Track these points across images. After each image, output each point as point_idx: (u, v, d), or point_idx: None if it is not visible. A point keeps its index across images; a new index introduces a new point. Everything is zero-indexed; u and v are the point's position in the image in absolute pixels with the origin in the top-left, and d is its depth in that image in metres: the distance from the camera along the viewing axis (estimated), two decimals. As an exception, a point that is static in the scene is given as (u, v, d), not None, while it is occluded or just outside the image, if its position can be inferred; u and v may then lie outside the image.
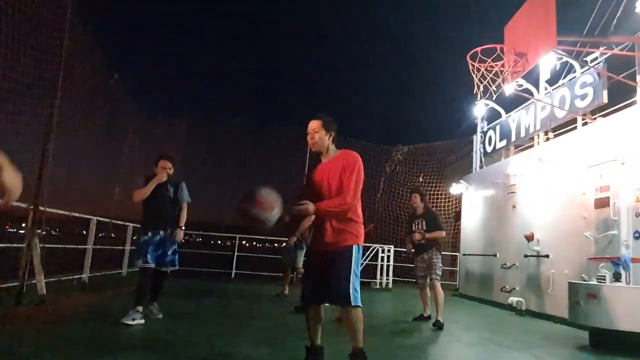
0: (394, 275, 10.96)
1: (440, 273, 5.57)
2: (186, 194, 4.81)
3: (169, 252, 4.64)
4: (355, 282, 2.77)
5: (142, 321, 4.24)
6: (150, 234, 4.52)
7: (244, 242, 14.53)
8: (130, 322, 4.11)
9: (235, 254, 10.79)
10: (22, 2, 5.10)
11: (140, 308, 4.29)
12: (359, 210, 2.98)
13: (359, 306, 2.77)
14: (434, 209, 5.54)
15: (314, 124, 3.05)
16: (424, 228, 5.61)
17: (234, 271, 10.86)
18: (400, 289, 10.63)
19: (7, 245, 5.42)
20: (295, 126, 12.07)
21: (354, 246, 2.86)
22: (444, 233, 5.72)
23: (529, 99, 8.43)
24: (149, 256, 4.43)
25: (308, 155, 10.90)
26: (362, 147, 12.77)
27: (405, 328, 5.28)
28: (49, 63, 5.59)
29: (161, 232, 4.57)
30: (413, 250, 5.78)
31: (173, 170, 4.77)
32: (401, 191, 12.65)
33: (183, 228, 4.79)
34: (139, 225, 5.03)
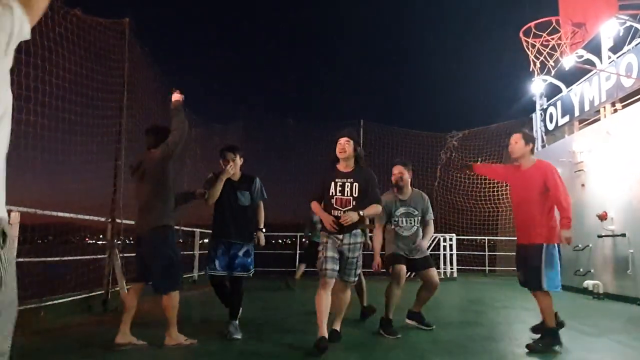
0: (457, 265, 10.74)
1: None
2: (261, 191, 4.34)
3: (240, 254, 4.08)
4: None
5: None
6: (223, 246, 4.09)
7: (304, 240, 14.75)
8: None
9: (298, 251, 10.99)
10: (85, 31, 5.49)
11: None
12: None
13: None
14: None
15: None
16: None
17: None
18: (465, 278, 10.40)
19: (92, 257, 5.87)
20: (346, 120, 12.12)
21: None
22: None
23: (591, 70, 7.95)
24: (217, 262, 4.06)
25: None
26: (415, 136, 12.59)
27: (473, 319, 5.18)
28: (114, 85, 5.98)
29: (232, 241, 4.09)
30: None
31: (242, 161, 4.29)
32: (459, 178, 12.35)
33: (263, 230, 4.33)
34: (206, 231, 5.21)
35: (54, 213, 4.94)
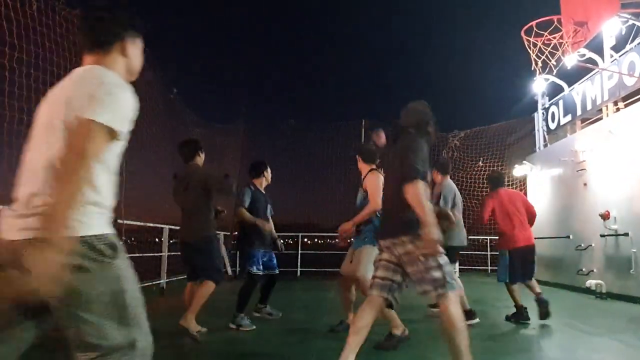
0: (460, 264, 10.72)
1: None
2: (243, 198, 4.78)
3: (274, 257, 4.89)
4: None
5: (254, 327, 4.40)
6: (262, 250, 4.68)
7: (305, 240, 14.77)
8: (243, 327, 4.34)
9: (299, 252, 11.01)
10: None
11: (243, 314, 4.44)
12: None
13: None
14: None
15: None
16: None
17: (299, 269, 11.09)
18: (467, 277, 10.38)
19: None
20: (348, 121, 12.11)
21: None
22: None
23: (593, 69, 7.92)
24: (261, 264, 4.64)
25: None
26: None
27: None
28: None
29: (267, 248, 4.76)
30: None
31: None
32: (461, 177, 12.32)
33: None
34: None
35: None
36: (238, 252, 5.23)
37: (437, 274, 2.48)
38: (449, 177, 5.39)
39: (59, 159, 1.26)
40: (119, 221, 5.70)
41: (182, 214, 4.19)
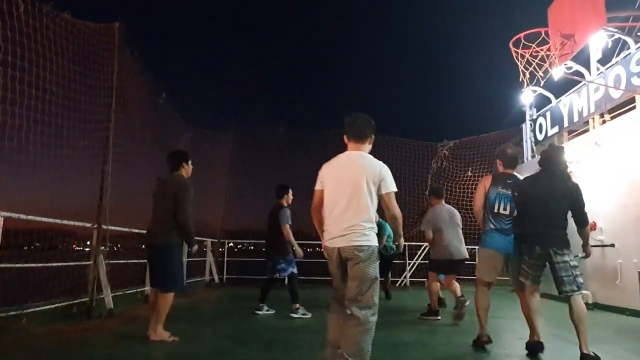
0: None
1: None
2: (285, 217, 5.94)
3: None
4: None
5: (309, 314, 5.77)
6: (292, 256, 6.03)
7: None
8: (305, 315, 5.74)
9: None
10: (73, 33, 5.43)
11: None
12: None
13: None
14: None
15: None
16: None
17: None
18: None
19: (77, 263, 5.76)
20: (334, 129, 12.10)
21: None
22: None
23: (580, 82, 8.03)
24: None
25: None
26: (407, 144, 12.60)
27: (463, 328, 5.14)
28: (102, 89, 5.92)
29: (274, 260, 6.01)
30: None
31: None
32: (449, 187, 12.37)
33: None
34: (195, 238, 5.22)
35: (38, 218, 4.84)
36: (272, 257, 6.05)
37: None
38: (442, 201, 6.19)
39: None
40: (103, 227, 5.60)
41: (152, 218, 4.36)
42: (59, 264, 5.36)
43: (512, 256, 4.07)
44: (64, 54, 5.31)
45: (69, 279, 5.59)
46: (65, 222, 5.27)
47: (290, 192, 6.26)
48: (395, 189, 2.94)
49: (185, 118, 9.41)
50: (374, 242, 2.83)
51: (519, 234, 3.98)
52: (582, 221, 3.86)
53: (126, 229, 6.65)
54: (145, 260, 7.22)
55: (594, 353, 3.54)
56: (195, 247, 4.65)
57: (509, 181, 4.20)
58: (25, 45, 4.80)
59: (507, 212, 4.12)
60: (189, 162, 4.58)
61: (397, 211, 2.93)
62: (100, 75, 5.93)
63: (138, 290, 7.05)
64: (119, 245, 9.60)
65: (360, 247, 2.75)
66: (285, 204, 6.10)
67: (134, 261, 7.19)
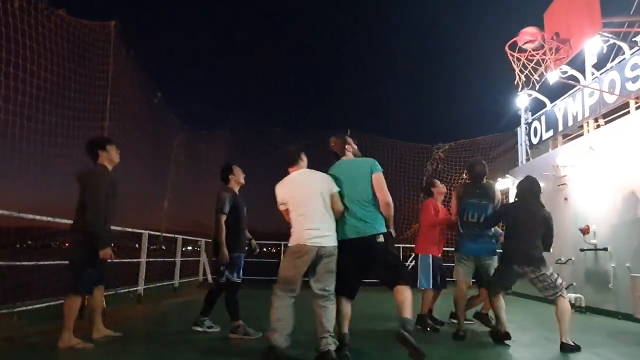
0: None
1: None
2: (220, 203, 4.65)
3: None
4: None
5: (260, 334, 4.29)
6: (243, 254, 4.63)
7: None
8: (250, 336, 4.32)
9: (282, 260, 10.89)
10: (69, 31, 5.40)
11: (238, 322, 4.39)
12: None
13: None
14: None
15: None
16: None
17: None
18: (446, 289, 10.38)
19: (66, 262, 5.71)
20: (334, 130, 12.11)
21: None
22: None
23: (575, 86, 8.07)
24: (240, 272, 4.55)
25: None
26: (402, 146, 12.63)
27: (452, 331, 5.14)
28: (98, 87, 5.89)
29: (243, 251, 4.68)
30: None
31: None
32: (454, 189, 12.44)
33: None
34: (188, 237, 5.16)
35: (30, 216, 4.79)
36: (212, 258, 4.96)
37: None
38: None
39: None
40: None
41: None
42: (49, 262, 5.31)
43: (488, 262, 4.65)
44: (59, 52, 5.28)
45: (61, 278, 5.54)
46: (58, 220, 5.20)
47: (237, 169, 4.79)
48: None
49: (180, 117, 9.40)
50: None
51: (505, 252, 4.44)
52: (548, 246, 4.38)
53: (119, 228, 6.61)
54: (138, 260, 7.25)
55: (573, 342, 4.04)
56: (106, 252, 3.83)
57: (477, 191, 4.67)
58: (20, 42, 4.77)
59: (475, 220, 4.61)
60: (107, 148, 4.00)
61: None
62: (95, 74, 5.90)
63: (131, 289, 7.00)
64: (112, 244, 9.59)
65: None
66: (235, 187, 4.75)
67: (127, 260, 7.16)
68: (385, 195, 3.56)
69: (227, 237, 4.41)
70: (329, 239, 3.41)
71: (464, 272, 4.69)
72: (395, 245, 3.78)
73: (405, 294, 3.35)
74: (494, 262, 4.67)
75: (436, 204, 5.46)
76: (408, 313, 3.26)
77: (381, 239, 3.43)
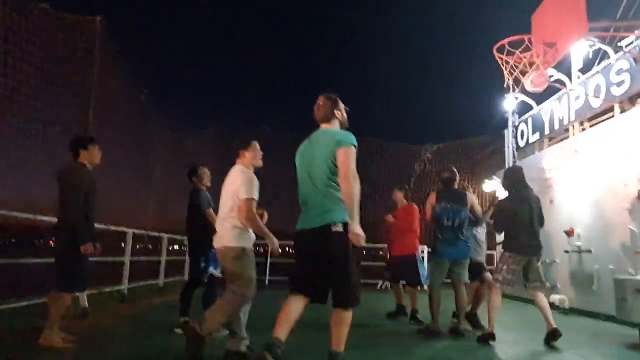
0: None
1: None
2: (204, 200, 4.73)
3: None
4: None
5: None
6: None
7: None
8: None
9: (268, 260, 10.83)
10: (53, 26, 5.30)
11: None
12: None
13: None
14: None
15: None
16: None
17: (267, 278, 10.91)
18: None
19: (49, 260, 5.61)
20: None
21: None
22: None
23: (561, 89, 8.15)
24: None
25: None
26: (390, 147, 12.66)
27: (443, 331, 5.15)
28: (82, 85, 5.79)
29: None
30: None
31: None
32: (432, 190, 12.49)
33: None
34: (174, 236, 5.09)
35: (15, 213, 4.67)
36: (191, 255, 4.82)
37: None
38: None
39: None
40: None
41: None
42: (34, 260, 5.20)
43: (463, 262, 4.87)
44: (42, 45, 5.17)
45: (44, 277, 5.43)
46: (40, 217, 5.09)
47: (203, 169, 4.87)
48: (247, 196, 3.44)
49: (166, 115, 9.30)
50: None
51: (505, 246, 4.62)
52: (542, 223, 4.71)
53: (102, 226, 6.51)
54: (122, 258, 7.15)
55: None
56: (87, 247, 3.74)
57: (449, 196, 4.91)
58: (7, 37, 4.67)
59: (450, 224, 4.78)
60: (89, 147, 3.97)
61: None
62: (79, 69, 5.81)
63: (115, 288, 6.90)
64: (94, 240, 9.44)
65: None
66: (203, 187, 4.81)
67: (110, 258, 7.05)
68: (346, 180, 2.67)
69: (209, 233, 4.16)
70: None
71: (439, 274, 4.88)
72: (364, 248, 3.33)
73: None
74: (467, 263, 4.94)
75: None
76: (341, 345, 2.69)
77: (338, 228, 2.70)
